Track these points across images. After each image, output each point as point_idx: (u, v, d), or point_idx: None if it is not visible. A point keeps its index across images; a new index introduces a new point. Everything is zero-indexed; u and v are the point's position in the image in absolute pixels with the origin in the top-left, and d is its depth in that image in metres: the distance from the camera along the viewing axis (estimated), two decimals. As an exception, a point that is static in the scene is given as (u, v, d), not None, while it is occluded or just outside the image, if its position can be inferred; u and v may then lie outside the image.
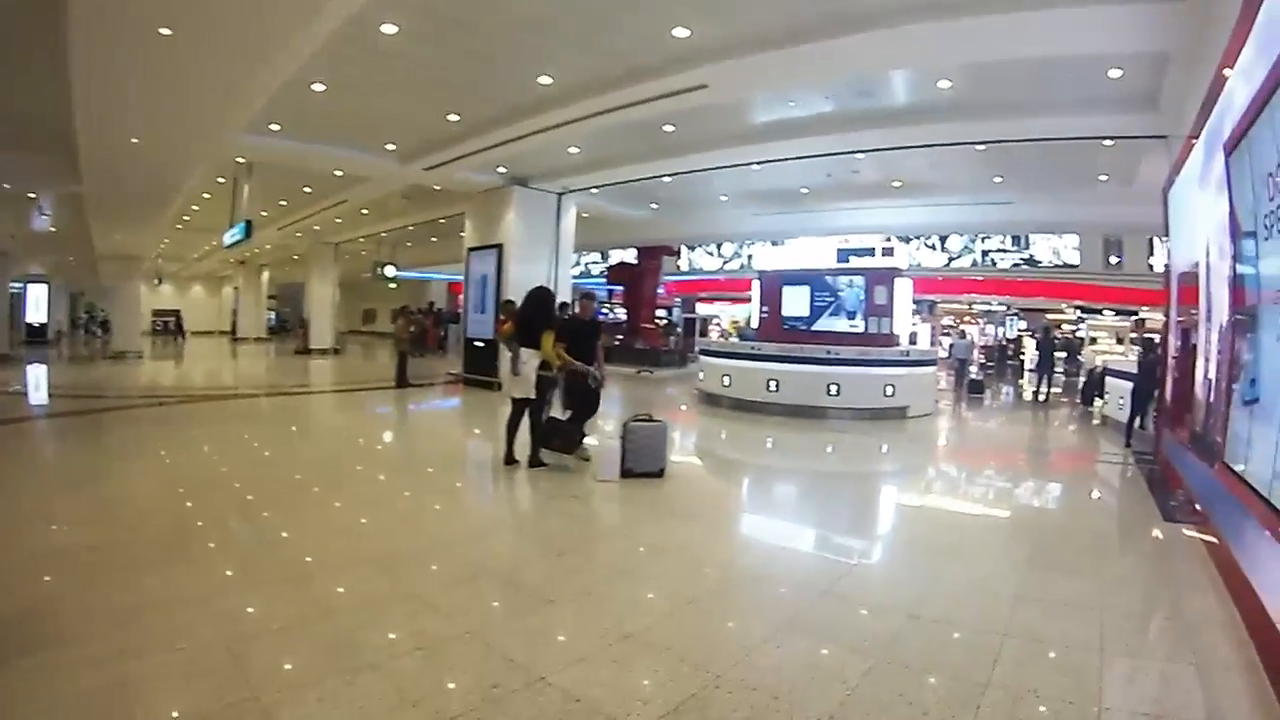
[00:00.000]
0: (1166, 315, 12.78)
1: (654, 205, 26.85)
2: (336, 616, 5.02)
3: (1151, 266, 29.45)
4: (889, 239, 21.79)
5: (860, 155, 17.35)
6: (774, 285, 20.47)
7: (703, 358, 19.24)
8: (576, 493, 8.85)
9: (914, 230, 27.78)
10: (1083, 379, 22.14)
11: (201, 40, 9.73)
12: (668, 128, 15.56)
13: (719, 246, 35.66)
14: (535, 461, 10.00)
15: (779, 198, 23.83)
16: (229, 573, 5.70)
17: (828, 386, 16.07)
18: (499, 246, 20.75)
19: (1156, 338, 14.64)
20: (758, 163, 17.86)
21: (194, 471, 9.48)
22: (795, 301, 19.89)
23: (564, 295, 21.40)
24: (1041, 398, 22.12)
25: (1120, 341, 36.27)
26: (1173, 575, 6.67)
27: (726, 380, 17.69)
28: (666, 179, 20.14)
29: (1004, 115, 13.52)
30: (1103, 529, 8.61)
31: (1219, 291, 7.58)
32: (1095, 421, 18.52)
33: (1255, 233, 5.74)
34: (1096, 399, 19.69)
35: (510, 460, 10.02)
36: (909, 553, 7.26)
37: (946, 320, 38.67)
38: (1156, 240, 28.72)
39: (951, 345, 28.69)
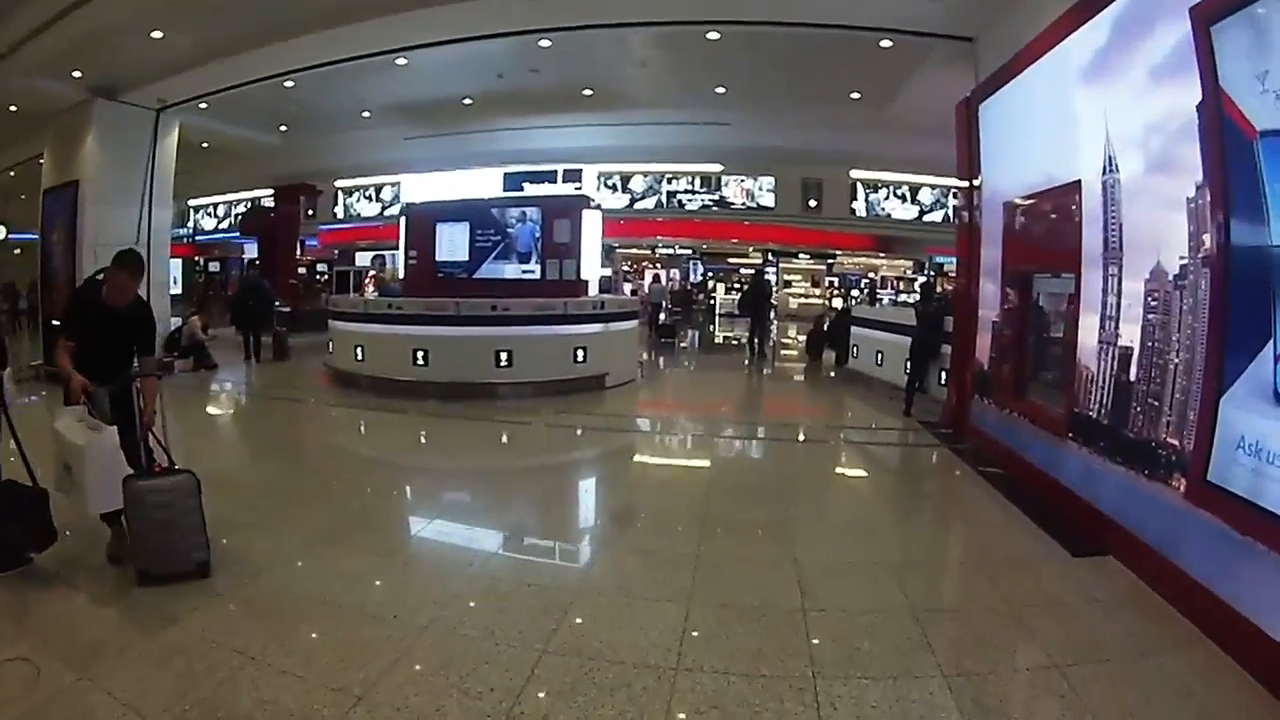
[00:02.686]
0: (967, 257, 10.46)
1: (283, 128, 22.21)
2: None
3: (854, 210, 30.56)
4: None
5: (545, 41, 13.41)
6: (425, 224, 16.21)
7: (331, 323, 14.54)
8: (40, 646, 4.02)
9: (605, 156, 23.34)
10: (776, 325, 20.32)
11: None
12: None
13: (378, 191, 31.61)
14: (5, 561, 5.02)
15: (436, 112, 19.44)
16: None
17: (496, 354, 12.20)
18: (75, 184, 15.30)
19: (930, 281, 12.94)
20: (405, 49, 13.47)
21: None
22: (452, 243, 15.84)
23: (160, 250, 16.43)
24: (754, 349, 19.51)
25: (816, 285, 36.97)
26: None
27: (359, 353, 13.26)
28: (289, 83, 15.58)
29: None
30: (1003, 586, 5.23)
31: (1157, 221, 5.62)
32: (829, 374, 16.62)
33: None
34: (827, 350, 18.08)
35: None
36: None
37: (625, 267, 36.19)
38: (860, 185, 30.07)
39: (644, 289, 27.23)
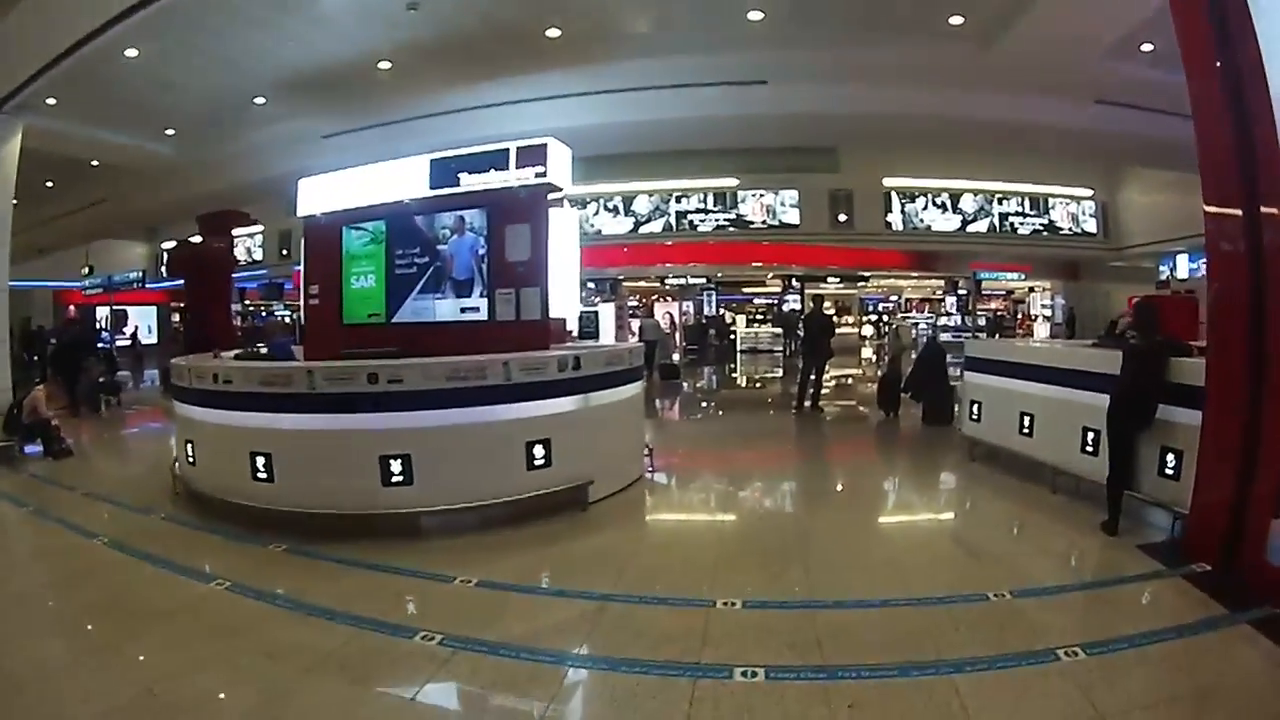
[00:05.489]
0: (1240, 243, 5.19)
1: (170, 131, 17.23)
2: None
3: (889, 224, 26.51)
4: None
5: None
6: (329, 242, 10.16)
7: (176, 405, 8.27)
8: None
9: (587, 143, 14.98)
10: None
11: None
12: None
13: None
14: None
15: (345, 88, 13.98)
16: None
17: (384, 462, 6.32)
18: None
19: (1150, 305, 7.27)
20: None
21: None
22: (363, 270, 9.90)
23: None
24: (813, 399, 13.57)
25: (845, 312, 32.40)
26: None
27: (190, 452, 7.60)
28: (131, 50, 10.87)
29: None
30: None
31: None
32: (925, 440, 11.15)
33: None
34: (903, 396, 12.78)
35: None
36: None
37: (632, 301, 30.73)
38: (895, 194, 26.29)
39: (641, 327, 20.53)
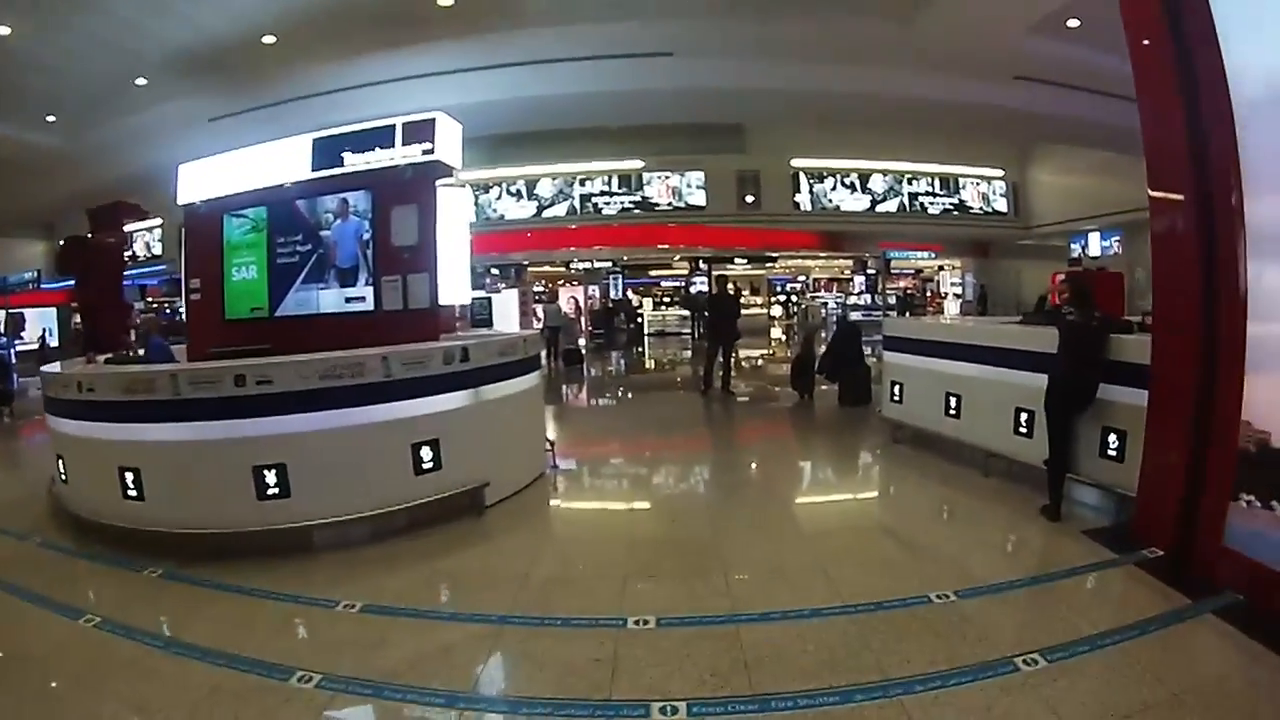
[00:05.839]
0: (1189, 221, 4.88)
1: (51, 118, 16.06)
2: None
3: (797, 204, 26.41)
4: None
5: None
6: (210, 231, 9.25)
7: (48, 417, 7.23)
8: None
9: (483, 122, 15.05)
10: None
11: None
12: None
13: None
14: None
15: (228, 67, 13.08)
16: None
17: (258, 474, 5.65)
18: None
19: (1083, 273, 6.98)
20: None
21: None
22: (244, 261, 9.05)
23: None
24: (724, 383, 13.22)
25: (754, 293, 31.97)
26: None
27: (61, 468, 6.79)
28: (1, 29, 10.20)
29: None
30: None
31: None
32: (844, 423, 10.69)
33: None
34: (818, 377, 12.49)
35: None
36: None
37: (538, 287, 29.88)
38: (803, 175, 26.17)
39: (544, 312, 20.36)
